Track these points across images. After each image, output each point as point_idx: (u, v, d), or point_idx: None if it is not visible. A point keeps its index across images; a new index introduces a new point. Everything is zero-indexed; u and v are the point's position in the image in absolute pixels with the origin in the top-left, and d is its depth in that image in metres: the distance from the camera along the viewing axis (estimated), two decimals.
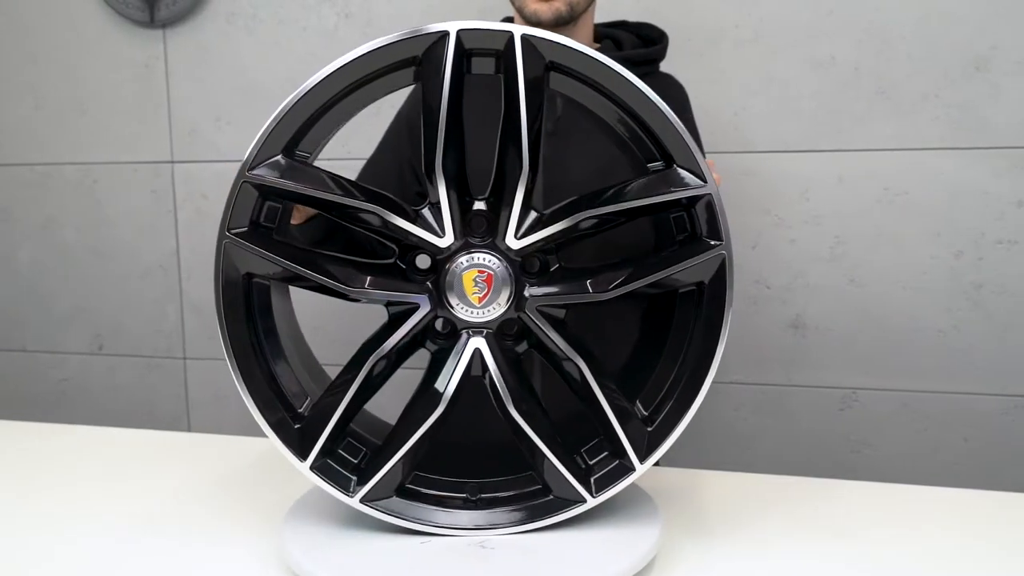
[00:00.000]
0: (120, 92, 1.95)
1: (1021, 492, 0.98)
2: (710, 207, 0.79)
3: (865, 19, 1.56)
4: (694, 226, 0.81)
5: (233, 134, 1.88)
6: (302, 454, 0.81)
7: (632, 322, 1.24)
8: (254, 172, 0.76)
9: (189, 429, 2.06)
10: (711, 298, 0.81)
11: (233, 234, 0.78)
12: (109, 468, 1.07)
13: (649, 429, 0.82)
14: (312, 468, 0.81)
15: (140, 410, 2.08)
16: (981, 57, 1.53)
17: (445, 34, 0.75)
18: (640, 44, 1.28)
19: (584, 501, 0.82)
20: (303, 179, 0.78)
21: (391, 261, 0.83)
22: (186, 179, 1.93)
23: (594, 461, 0.84)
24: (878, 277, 1.63)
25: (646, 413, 0.83)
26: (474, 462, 0.87)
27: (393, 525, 0.82)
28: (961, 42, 1.53)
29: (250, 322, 0.80)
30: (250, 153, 0.76)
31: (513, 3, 1.21)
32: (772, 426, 1.73)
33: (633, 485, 0.89)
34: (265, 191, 0.78)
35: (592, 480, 0.83)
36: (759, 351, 1.71)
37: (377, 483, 0.81)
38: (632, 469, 0.82)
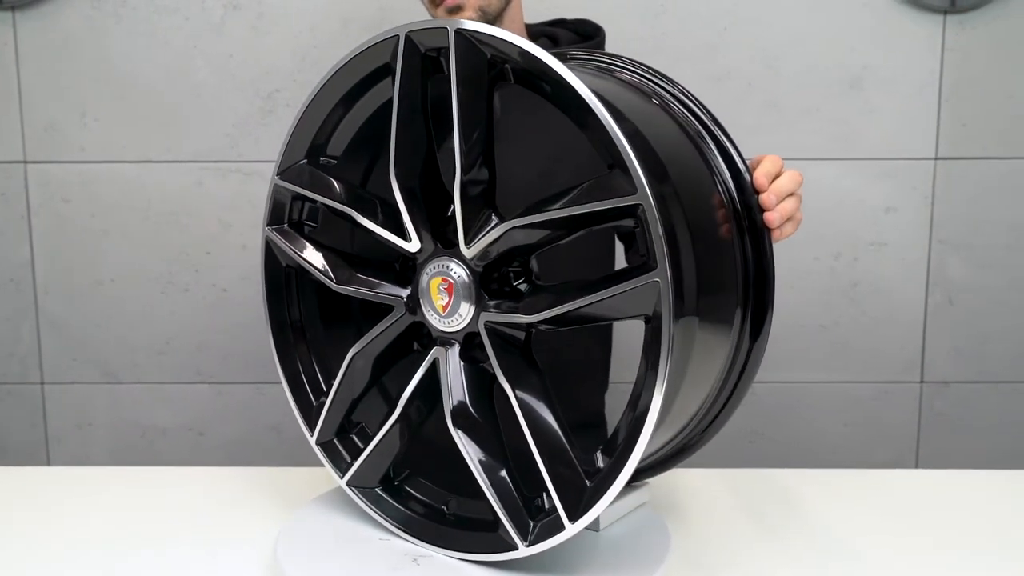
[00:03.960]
0: None
1: (893, 468, 1.08)
2: (643, 222, 0.65)
3: (757, 37, 1.67)
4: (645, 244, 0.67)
5: (101, 132, 1.68)
6: (311, 429, 0.88)
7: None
8: (281, 176, 0.86)
9: (48, 462, 1.83)
10: (650, 341, 0.67)
11: (271, 229, 0.88)
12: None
13: (588, 483, 0.70)
14: (317, 443, 0.87)
15: None
16: (855, 76, 1.68)
17: (396, 37, 0.75)
18: (578, 40, 1.28)
19: (515, 547, 0.73)
20: (306, 183, 0.85)
21: (391, 263, 0.85)
22: (43, 181, 1.71)
23: (550, 505, 0.73)
24: None
25: (600, 466, 0.71)
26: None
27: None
28: (837, 61, 1.68)
29: (290, 306, 0.90)
30: (277, 159, 0.86)
31: (428, 13, 1.18)
32: None
33: (648, 512, 0.88)
34: (293, 192, 0.87)
35: (537, 525, 0.73)
36: None
37: (356, 472, 0.85)
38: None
